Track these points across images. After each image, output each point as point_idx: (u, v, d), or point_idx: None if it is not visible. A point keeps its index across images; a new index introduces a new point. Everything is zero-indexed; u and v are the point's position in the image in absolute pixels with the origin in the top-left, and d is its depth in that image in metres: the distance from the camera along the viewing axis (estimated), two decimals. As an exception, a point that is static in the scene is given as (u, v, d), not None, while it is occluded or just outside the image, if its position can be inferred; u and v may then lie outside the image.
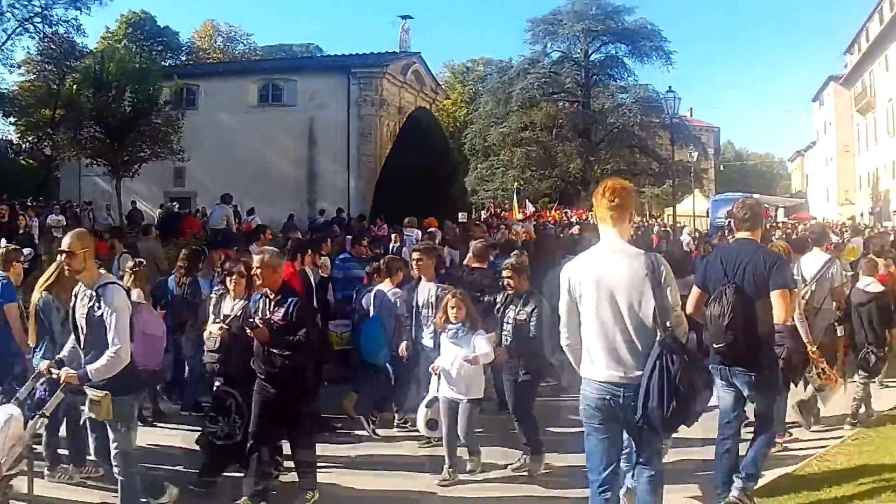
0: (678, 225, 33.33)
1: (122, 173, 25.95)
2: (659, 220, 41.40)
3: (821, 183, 76.23)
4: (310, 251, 9.90)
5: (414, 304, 8.30)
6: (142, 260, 9.27)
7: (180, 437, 8.21)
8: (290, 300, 6.27)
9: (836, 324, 8.36)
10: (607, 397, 4.44)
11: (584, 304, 4.55)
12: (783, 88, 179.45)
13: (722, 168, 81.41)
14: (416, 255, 8.66)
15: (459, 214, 20.68)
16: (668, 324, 4.35)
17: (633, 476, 4.87)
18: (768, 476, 6.29)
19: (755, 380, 5.49)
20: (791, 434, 7.86)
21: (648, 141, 48.70)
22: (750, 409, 5.98)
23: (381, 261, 9.42)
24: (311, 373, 6.86)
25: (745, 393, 5.59)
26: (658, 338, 4.34)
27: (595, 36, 48.41)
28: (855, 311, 8.63)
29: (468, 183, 49.22)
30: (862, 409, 8.36)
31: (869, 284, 8.74)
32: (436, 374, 7.09)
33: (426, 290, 8.27)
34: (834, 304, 8.28)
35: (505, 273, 7.58)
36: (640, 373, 4.35)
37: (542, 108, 48.38)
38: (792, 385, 7.36)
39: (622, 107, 46.65)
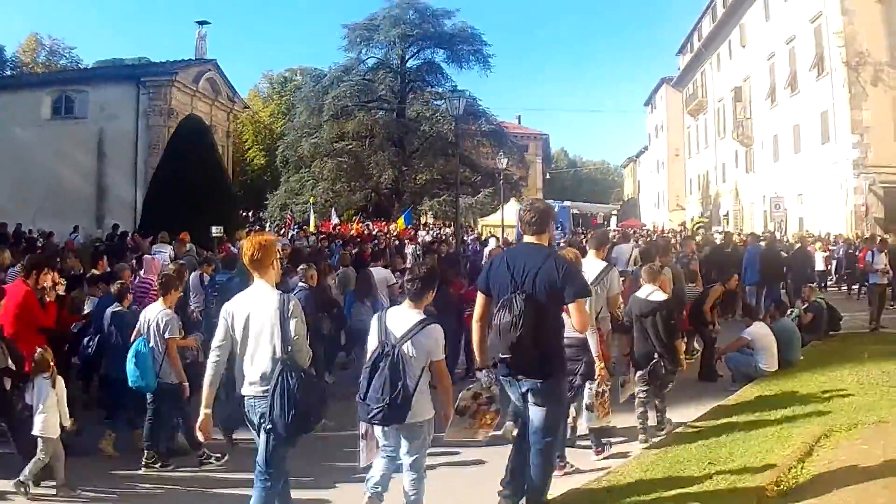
0: (488, 235, 31.84)
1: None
2: (470, 230, 39.74)
3: (652, 188, 77.50)
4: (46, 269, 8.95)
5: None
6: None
7: None
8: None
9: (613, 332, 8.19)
10: (250, 407, 5.17)
11: (237, 333, 5.23)
12: (619, 94, 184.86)
13: (548, 176, 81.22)
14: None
15: (213, 228, 18.25)
16: (288, 348, 5.06)
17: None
18: (555, 490, 6.12)
19: (541, 388, 5.38)
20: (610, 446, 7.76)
21: (465, 149, 47.42)
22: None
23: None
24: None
25: (531, 401, 5.43)
26: (279, 358, 5.05)
27: (412, 41, 46.84)
28: (637, 322, 8.23)
29: (279, 197, 46.83)
30: (651, 422, 8.10)
31: (651, 293, 8.33)
32: None
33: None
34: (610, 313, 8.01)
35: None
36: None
37: (355, 117, 46.33)
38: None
39: (437, 114, 45.01)
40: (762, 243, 19.71)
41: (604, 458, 7.47)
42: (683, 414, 8.87)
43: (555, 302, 5.33)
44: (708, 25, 50.61)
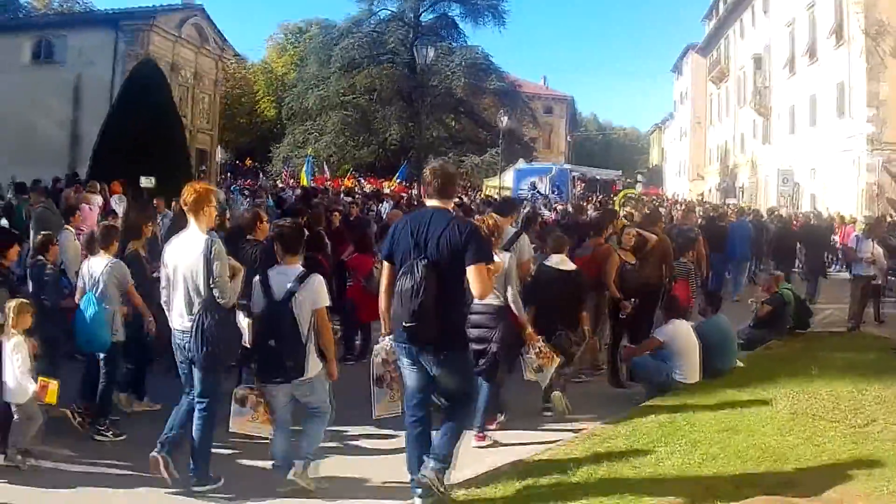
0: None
1: None
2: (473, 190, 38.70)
3: (676, 157, 75.90)
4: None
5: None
6: None
7: None
8: None
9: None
10: (178, 341, 5.65)
11: (170, 273, 5.67)
12: (651, 58, 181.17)
13: (569, 139, 79.57)
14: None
15: (142, 179, 17.36)
16: (210, 288, 5.44)
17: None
18: (490, 463, 6.23)
19: (446, 359, 5.25)
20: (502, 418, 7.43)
21: (474, 106, 46.24)
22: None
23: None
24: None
25: (435, 373, 5.28)
26: (204, 297, 5.47)
27: (425, -7, 45.50)
28: (543, 290, 7.86)
29: (282, 149, 45.97)
30: (560, 398, 7.67)
31: (559, 262, 7.97)
32: None
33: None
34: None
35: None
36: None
37: (365, 70, 45.22)
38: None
39: (447, 68, 43.73)
40: (747, 218, 18.88)
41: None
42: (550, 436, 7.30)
43: (458, 268, 5.11)
44: (734, -9, 48.36)
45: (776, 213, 25.34)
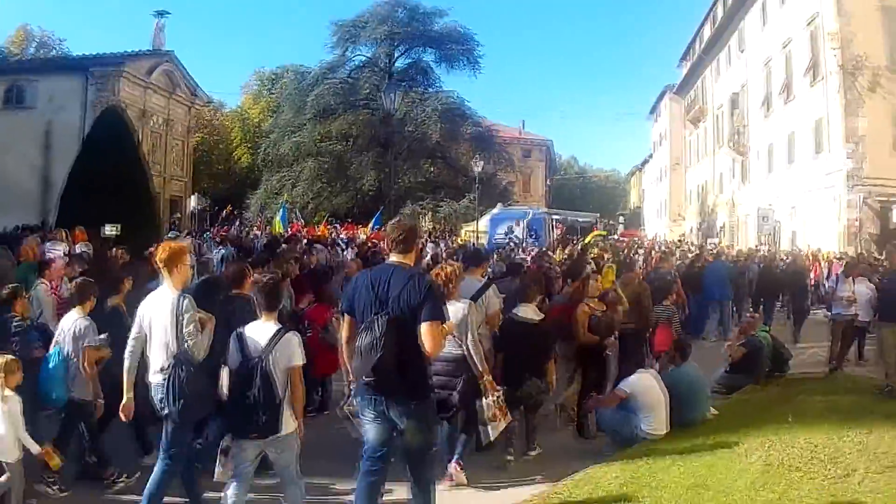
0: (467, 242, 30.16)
1: None
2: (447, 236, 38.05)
3: (655, 198, 75.98)
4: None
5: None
6: None
7: None
8: None
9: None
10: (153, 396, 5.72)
11: (145, 329, 5.84)
12: (631, 102, 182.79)
13: (549, 183, 79.48)
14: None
15: (107, 227, 16.72)
16: (181, 343, 5.61)
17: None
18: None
19: (416, 409, 5.29)
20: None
21: (450, 152, 45.91)
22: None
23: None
24: None
25: (403, 424, 5.28)
26: (174, 353, 5.63)
27: (400, 40, 45.53)
28: (510, 341, 7.79)
29: (259, 197, 45.39)
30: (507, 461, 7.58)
31: (526, 312, 7.94)
32: None
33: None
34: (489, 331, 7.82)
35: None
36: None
37: (339, 117, 44.90)
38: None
39: (422, 114, 43.40)
40: (724, 259, 18.41)
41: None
42: (510, 496, 6.83)
43: (417, 323, 5.16)
44: (709, 31, 48.66)
45: (759, 252, 24.90)
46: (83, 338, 6.95)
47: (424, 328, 5.14)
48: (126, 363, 5.85)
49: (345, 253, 21.31)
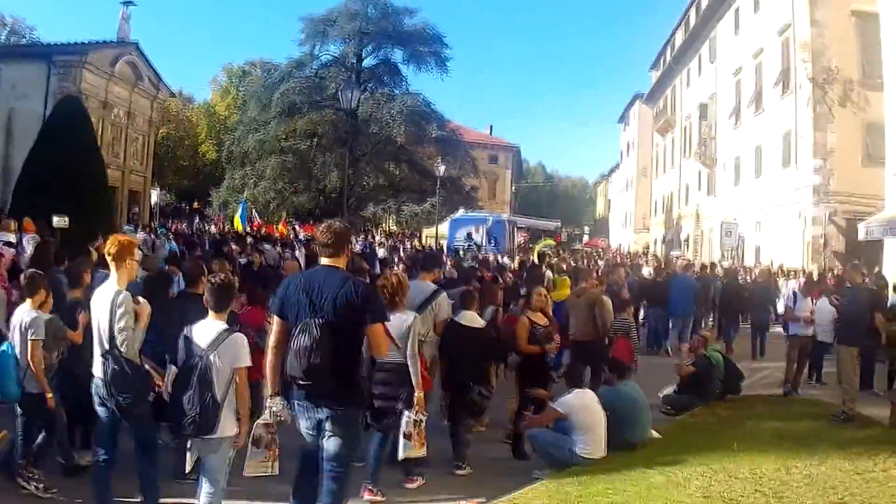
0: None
1: None
2: (408, 239, 37.54)
3: (621, 207, 75.80)
4: None
5: None
6: None
7: None
8: None
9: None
10: (93, 390, 5.81)
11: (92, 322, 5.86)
12: (602, 108, 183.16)
13: (514, 188, 79.09)
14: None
15: (55, 218, 16.18)
16: (114, 339, 5.56)
17: None
18: None
19: (341, 415, 5.21)
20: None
21: (414, 154, 45.29)
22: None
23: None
24: None
25: (326, 428, 5.20)
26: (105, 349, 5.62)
27: (369, 38, 44.66)
28: (452, 346, 7.90)
29: (221, 194, 44.51)
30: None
31: (468, 319, 7.98)
32: None
33: None
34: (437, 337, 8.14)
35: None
36: None
37: (305, 115, 44.06)
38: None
39: (388, 115, 42.66)
40: (688, 273, 17.87)
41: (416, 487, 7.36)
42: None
43: (354, 327, 5.19)
44: (681, 38, 48.29)
45: (721, 266, 24.51)
46: (29, 330, 6.85)
47: (370, 330, 5.20)
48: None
49: (296, 253, 20.53)
